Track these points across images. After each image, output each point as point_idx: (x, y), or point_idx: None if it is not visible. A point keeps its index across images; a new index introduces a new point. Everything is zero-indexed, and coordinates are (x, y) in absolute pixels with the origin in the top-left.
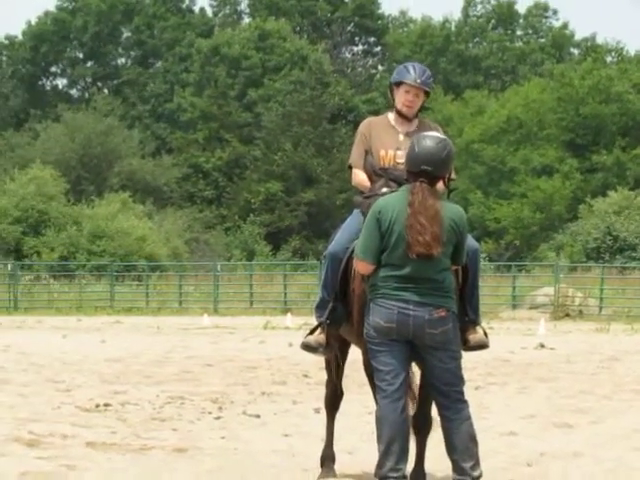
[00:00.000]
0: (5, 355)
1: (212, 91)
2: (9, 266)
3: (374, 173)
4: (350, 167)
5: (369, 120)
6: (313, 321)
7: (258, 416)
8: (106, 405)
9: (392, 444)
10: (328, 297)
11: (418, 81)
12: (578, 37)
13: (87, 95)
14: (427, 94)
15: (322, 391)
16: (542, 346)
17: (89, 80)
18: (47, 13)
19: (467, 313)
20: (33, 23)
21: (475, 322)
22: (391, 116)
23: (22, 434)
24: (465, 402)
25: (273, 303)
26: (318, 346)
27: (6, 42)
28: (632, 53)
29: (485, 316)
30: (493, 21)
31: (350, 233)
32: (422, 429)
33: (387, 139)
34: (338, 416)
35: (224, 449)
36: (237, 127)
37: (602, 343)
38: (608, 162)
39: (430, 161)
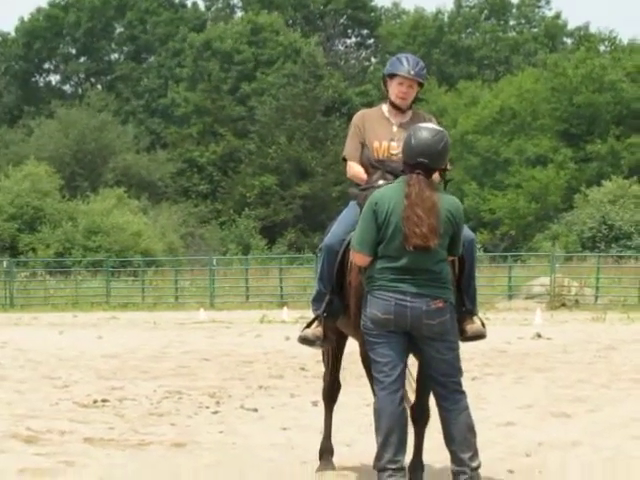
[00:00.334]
0: (2, 352)
1: (205, 85)
2: (5, 263)
3: (370, 165)
4: (345, 159)
5: (363, 112)
6: (310, 314)
7: (256, 410)
8: (104, 401)
9: (390, 436)
10: (325, 290)
11: (412, 72)
12: (571, 26)
13: (80, 91)
14: (421, 85)
15: (320, 384)
16: (539, 336)
17: (82, 76)
18: (39, 9)
19: (464, 303)
20: (26, 19)
21: (472, 312)
22: (385, 108)
23: (20, 430)
24: (463, 393)
25: (269, 297)
26: (315, 339)
27: None
28: (625, 42)
29: (481, 307)
30: (486, 11)
31: (346, 225)
32: (420, 420)
33: (381, 130)
34: (336, 408)
35: (222, 443)
36: (231, 121)
37: (598, 332)
38: (602, 151)
39: (427, 153)
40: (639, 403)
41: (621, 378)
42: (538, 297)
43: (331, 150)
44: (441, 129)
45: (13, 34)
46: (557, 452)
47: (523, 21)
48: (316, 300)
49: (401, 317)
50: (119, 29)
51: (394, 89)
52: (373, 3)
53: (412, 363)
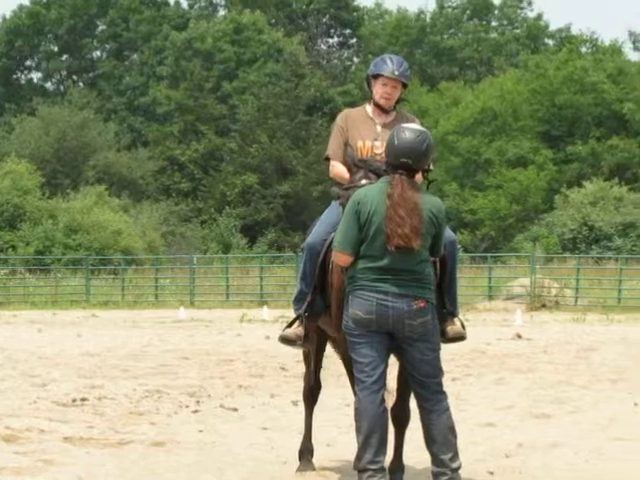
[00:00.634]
0: None
1: (188, 84)
2: None
3: (353, 165)
4: (327, 159)
5: (346, 112)
6: (290, 314)
7: (236, 409)
8: (83, 399)
9: (371, 436)
10: (306, 289)
11: (396, 73)
12: (553, 28)
13: (62, 88)
14: (405, 86)
15: (300, 384)
16: (519, 337)
17: (64, 73)
18: (22, 7)
19: (445, 305)
20: (8, 17)
21: (453, 314)
22: (368, 108)
23: None
24: (444, 394)
25: (249, 296)
26: (297, 339)
27: None
28: (607, 43)
29: (461, 307)
30: (468, 12)
31: (328, 225)
32: (401, 421)
33: (365, 130)
34: (316, 409)
35: (202, 443)
36: (213, 120)
37: (579, 333)
38: (583, 152)
39: (410, 154)
40: (619, 404)
41: (601, 379)
42: (518, 298)
43: (313, 149)
44: (424, 130)
45: None
46: (537, 453)
47: (505, 22)
48: (298, 300)
49: (383, 317)
50: (101, 27)
51: (378, 89)
52: (356, 3)
53: (392, 363)
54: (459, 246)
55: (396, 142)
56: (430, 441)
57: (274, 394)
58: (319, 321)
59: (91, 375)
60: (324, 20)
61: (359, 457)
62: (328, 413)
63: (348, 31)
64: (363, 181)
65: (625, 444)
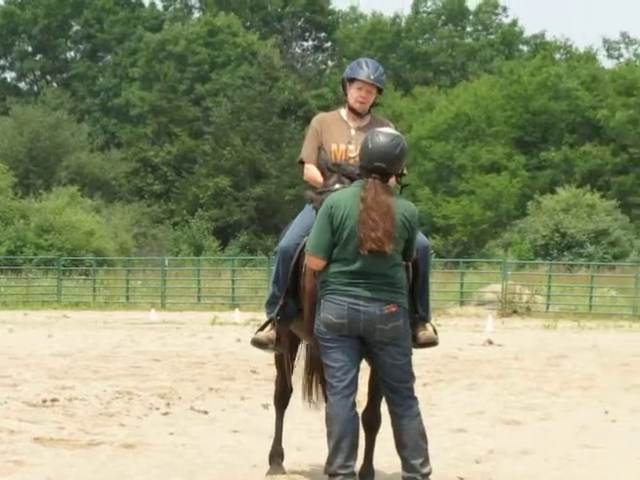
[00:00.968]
0: None
1: (162, 86)
2: None
3: (327, 169)
4: (301, 162)
5: (321, 115)
6: (261, 317)
7: (206, 412)
8: (53, 400)
9: (342, 441)
10: (279, 293)
11: (372, 77)
12: (527, 34)
13: (36, 88)
14: (380, 90)
15: (271, 387)
16: (490, 343)
17: (38, 73)
18: None
19: (417, 310)
20: None
21: (425, 319)
22: (343, 111)
23: None
24: (415, 399)
25: (221, 298)
26: (268, 342)
27: None
28: (581, 50)
29: (433, 312)
30: (443, 17)
31: (301, 228)
32: (372, 426)
33: (339, 133)
34: (287, 412)
35: (172, 445)
36: (186, 122)
37: (550, 340)
38: (556, 159)
39: (384, 158)
40: (590, 412)
41: (572, 386)
42: (490, 304)
43: (286, 152)
44: (398, 134)
45: None
46: (508, 459)
47: (480, 28)
48: (270, 303)
49: (354, 321)
50: (76, 27)
51: (353, 93)
52: (331, 6)
53: (364, 367)
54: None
55: (370, 146)
56: (401, 446)
57: (245, 397)
58: (291, 325)
59: (62, 376)
60: (299, 23)
61: (330, 461)
62: (299, 417)
63: (323, 34)
64: (337, 185)
65: (595, 451)
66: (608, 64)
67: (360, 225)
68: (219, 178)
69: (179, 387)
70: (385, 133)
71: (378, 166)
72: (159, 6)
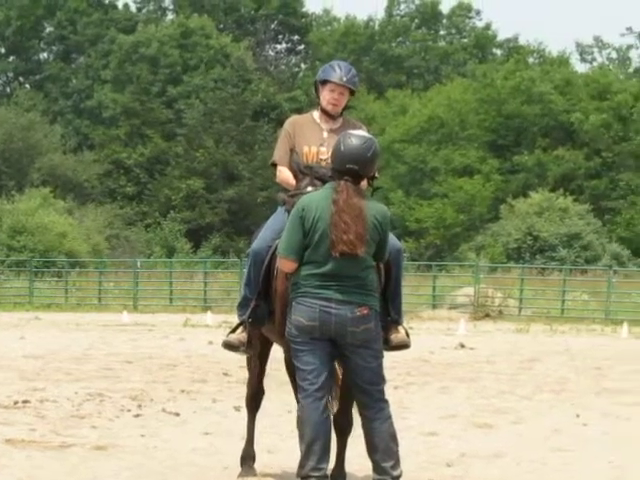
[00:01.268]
0: None
1: (134, 88)
2: None
3: (299, 171)
4: (274, 164)
5: (294, 118)
6: (233, 319)
7: (178, 414)
8: (25, 402)
9: (314, 443)
10: (251, 296)
11: (344, 79)
12: (501, 38)
13: (9, 90)
14: (352, 93)
15: (242, 389)
16: (462, 346)
17: (11, 75)
18: None
19: (389, 313)
20: None
21: (397, 322)
22: (316, 114)
23: None
24: (386, 401)
25: (193, 301)
26: (240, 345)
27: None
28: (554, 54)
29: (405, 315)
30: (417, 21)
31: (274, 231)
32: (343, 429)
33: (311, 136)
34: (259, 415)
35: (144, 447)
36: (159, 124)
37: (522, 343)
38: (529, 163)
39: (356, 160)
40: (561, 415)
41: (544, 390)
42: (462, 307)
43: (259, 155)
44: (371, 137)
45: None
46: (479, 463)
47: (453, 31)
48: (242, 306)
49: (325, 324)
50: (49, 29)
51: (326, 95)
52: (304, 9)
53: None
54: (405, 254)
55: (342, 148)
56: (372, 449)
57: (216, 399)
58: (263, 327)
59: (33, 378)
60: (272, 26)
61: (302, 464)
62: (270, 419)
63: (296, 37)
64: (309, 188)
65: (567, 455)
66: (581, 68)
67: (332, 227)
68: (192, 180)
69: (151, 389)
70: (357, 135)
71: (350, 168)
72: (132, 8)
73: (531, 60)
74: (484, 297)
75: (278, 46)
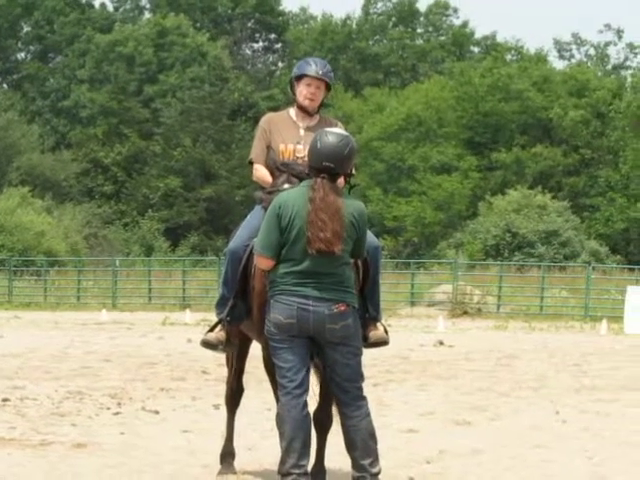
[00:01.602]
0: None
1: (112, 87)
2: None
3: (276, 169)
4: (251, 162)
5: (270, 115)
6: (212, 317)
7: (157, 412)
8: (5, 400)
9: (294, 441)
10: (228, 294)
11: (320, 72)
12: (478, 35)
13: None
14: (328, 88)
15: (222, 387)
16: (441, 343)
17: None
18: None
19: (368, 310)
20: None
21: (376, 319)
22: (292, 111)
23: None
24: (365, 399)
25: (172, 299)
26: (218, 343)
27: None
28: (532, 51)
29: (384, 313)
30: (394, 19)
31: (251, 230)
32: (323, 426)
33: (287, 133)
34: (238, 413)
35: (123, 445)
36: (136, 122)
37: (500, 341)
38: (507, 160)
39: (332, 158)
40: (540, 412)
41: (522, 387)
42: (440, 304)
43: (236, 153)
44: (347, 134)
45: None
46: (458, 460)
47: (431, 29)
48: (220, 304)
49: (304, 321)
50: (26, 28)
51: (302, 90)
52: (281, 7)
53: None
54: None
55: (319, 146)
56: (350, 446)
57: (196, 397)
58: (241, 325)
59: (13, 376)
60: (249, 24)
61: (283, 461)
62: (250, 417)
63: (273, 36)
64: (286, 185)
65: (546, 451)
66: (559, 65)
67: (309, 225)
68: (169, 179)
69: (130, 387)
70: (334, 133)
71: (327, 166)
72: (110, 7)
73: (509, 57)
74: (463, 294)
75: (255, 45)
